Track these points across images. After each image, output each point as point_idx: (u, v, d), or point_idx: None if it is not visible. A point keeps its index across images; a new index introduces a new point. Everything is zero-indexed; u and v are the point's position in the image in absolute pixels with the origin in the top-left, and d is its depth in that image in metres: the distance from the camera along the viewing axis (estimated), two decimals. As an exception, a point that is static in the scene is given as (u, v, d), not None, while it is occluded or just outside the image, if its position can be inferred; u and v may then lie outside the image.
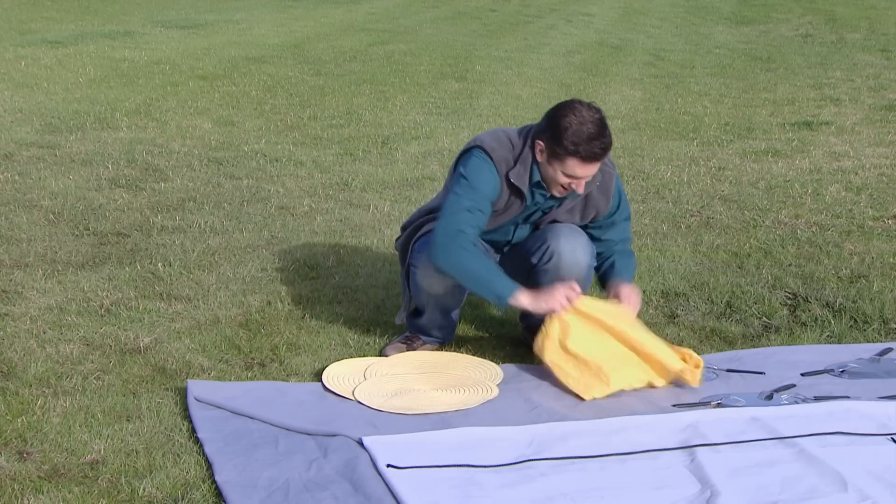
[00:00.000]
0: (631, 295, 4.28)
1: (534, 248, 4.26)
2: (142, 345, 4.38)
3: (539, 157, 4.11)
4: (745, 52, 14.24)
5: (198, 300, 4.89)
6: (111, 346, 4.36)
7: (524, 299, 4.05)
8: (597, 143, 4.00)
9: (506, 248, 4.41)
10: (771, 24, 17.44)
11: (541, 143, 4.09)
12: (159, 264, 5.34)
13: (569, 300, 4.06)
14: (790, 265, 5.55)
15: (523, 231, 4.35)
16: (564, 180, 4.08)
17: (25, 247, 5.60)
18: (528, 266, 4.26)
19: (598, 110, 4.07)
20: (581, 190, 4.12)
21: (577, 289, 4.11)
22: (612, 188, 4.27)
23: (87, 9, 17.98)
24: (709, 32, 16.52)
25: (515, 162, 4.14)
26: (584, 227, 4.34)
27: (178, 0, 19.43)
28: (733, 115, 9.76)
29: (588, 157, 4.01)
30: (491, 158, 4.14)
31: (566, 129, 3.99)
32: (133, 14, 17.23)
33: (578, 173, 4.05)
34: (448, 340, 4.46)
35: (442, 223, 4.12)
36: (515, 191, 4.16)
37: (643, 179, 7.30)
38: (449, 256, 4.07)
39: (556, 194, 4.16)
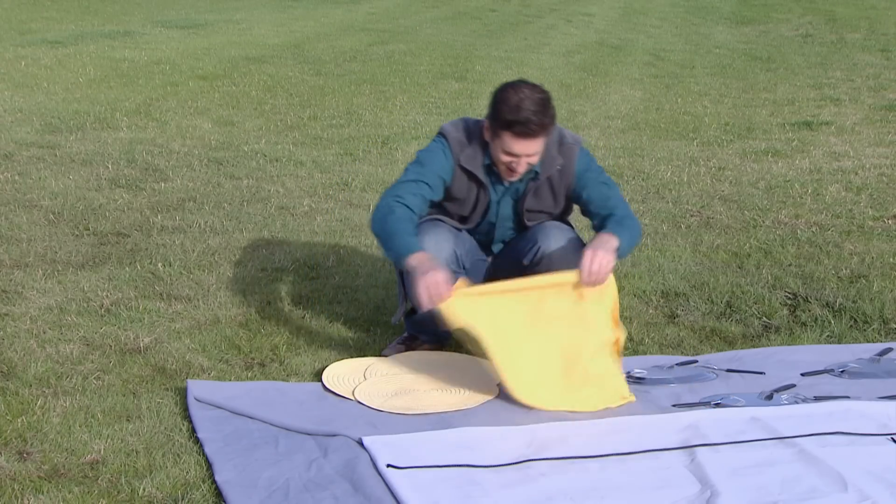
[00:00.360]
0: (594, 258, 3.90)
1: (525, 248, 4.27)
2: (142, 345, 4.38)
3: (486, 136, 4.14)
4: (745, 52, 14.24)
5: (198, 300, 4.89)
6: (111, 346, 4.36)
7: (410, 264, 3.86)
8: (532, 120, 3.98)
9: (494, 248, 4.41)
10: (771, 24, 17.44)
11: (486, 121, 4.12)
12: (159, 264, 5.34)
13: (439, 297, 3.78)
14: (790, 265, 5.55)
15: (504, 230, 4.36)
16: (505, 158, 4.08)
17: (25, 247, 5.60)
18: (520, 266, 4.25)
19: (544, 91, 4.06)
20: (522, 169, 4.10)
21: (445, 291, 3.80)
22: (573, 163, 4.21)
23: (87, 9, 17.98)
24: (709, 32, 16.52)
25: (469, 144, 4.17)
26: (577, 201, 4.29)
27: (178, 0, 19.43)
28: (733, 115, 9.76)
29: (521, 133, 4.00)
30: (447, 141, 4.19)
31: (504, 104, 4.01)
32: (133, 14, 17.23)
33: (515, 150, 4.04)
34: (447, 339, 4.45)
35: (383, 194, 4.17)
36: (471, 175, 4.19)
37: (643, 179, 7.30)
38: (375, 218, 4.09)
39: (503, 175, 4.17)
